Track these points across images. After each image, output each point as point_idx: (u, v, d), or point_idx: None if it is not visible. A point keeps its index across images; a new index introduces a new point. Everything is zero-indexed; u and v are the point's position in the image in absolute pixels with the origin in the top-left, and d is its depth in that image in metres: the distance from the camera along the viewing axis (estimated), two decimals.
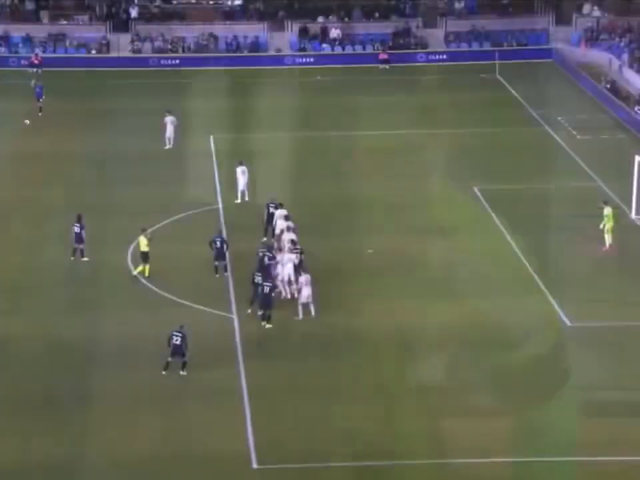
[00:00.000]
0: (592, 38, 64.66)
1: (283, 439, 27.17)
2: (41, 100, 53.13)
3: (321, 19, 67.58)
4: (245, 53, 65.51)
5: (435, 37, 66.66)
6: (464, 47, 65.99)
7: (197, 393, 29.30)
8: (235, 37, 65.94)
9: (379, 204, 41.10)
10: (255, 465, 26.29)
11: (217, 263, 35.92)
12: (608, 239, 37.44)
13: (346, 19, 67.31)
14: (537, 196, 42.85)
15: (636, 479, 25.72)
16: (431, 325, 32.84)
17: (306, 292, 32.84)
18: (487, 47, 65.43)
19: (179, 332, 29.98)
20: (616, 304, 34.01)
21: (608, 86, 57.02)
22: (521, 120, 53.07)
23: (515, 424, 27.65)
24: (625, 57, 60.84)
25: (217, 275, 35.78)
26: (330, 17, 67.82)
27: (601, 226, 37.46)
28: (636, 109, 53.03)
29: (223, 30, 66.65)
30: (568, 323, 32.90)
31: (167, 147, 48.31)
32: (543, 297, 34.47)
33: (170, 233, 39.78)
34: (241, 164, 42.47)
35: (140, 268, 36.03)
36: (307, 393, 29.24)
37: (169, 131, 48.39)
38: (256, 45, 65.82)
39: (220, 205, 42.43)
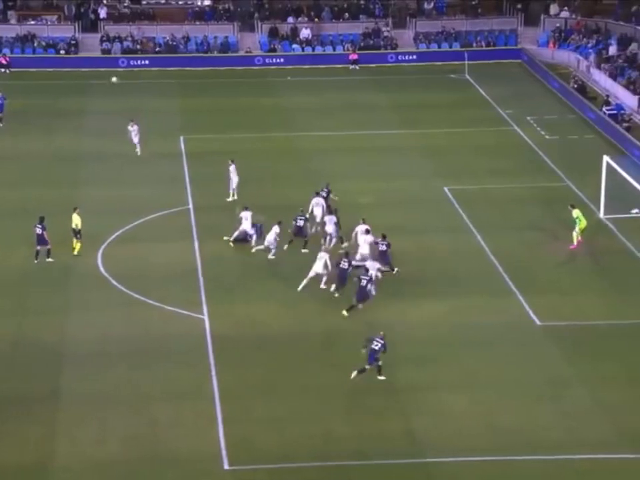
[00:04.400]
0: (560, 39, 65.06)
1: (255, 440, 27.10)
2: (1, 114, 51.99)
3: (291, 20, 67.58)
4: (215, 54, 65.39)
5: (405, 37, 66.87)
6: (433, 48, 66.21)
7: (167, 394, 29.17)
8: (205, 38, 65.81)
9: (350, 204, 41.03)
10: (226, 466, 26.22)
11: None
12: (576, 237, 37.65)
13: (316, 20, 67.35)
14: (506, 196, 43.05)
15: (604, 477, 25.82)
16: (401, 323, 32.88)
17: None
18: (456, 47, 65.72)
19: None
20: (584, 303, 34.20)
21: (576, 86, 57.37)
22: (490, 120, 53.30)
23: (487, 422, 27.73)
24: (593, 57, 61.26)
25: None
26: (300, 18, 67.85)
27: (577, 229, 37.66)
28: (604, 109, 53.39)
29: (192, 30, 66.53)
30: (537, 321, 33.05)
31: (139, 153, 47.89)
32: (512, 296, 34.61)
33: (140, 233, 39.63)
34: (232, 163, 42.27)
35: (74, 246, 36.67)
36: (278, 393, 29.19)
37: (135, 138, 47.79)
38: (226, 46, 65.72)
39: (191, 206, 42.30)
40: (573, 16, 66.22)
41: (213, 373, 30.14)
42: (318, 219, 38.74)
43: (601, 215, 40.63)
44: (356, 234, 36.58)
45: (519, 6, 67.21)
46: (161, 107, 55.30)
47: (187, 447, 26.82)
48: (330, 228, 37.46)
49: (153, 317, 33.42)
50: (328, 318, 33.30)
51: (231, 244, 37.68)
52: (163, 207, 41.90)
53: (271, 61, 64.58)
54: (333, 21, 67.79)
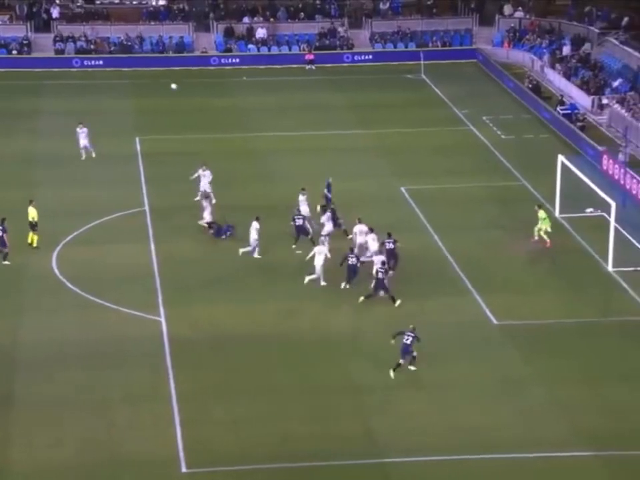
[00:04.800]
0: (514, 39, 65.56)
1: (213, 442, 27.01)
2: None
3: (246, 20, 67.43)
4: (171, 54, 65.07)
5: (361, 37, 67.01)
6: (389, 48, 66.42)
7: (124, 397, 28.97)
8: (160, 38, 65.48)
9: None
10: (183, 469, 26.09)
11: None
12: (545, 236, 37.93)
13: (271, 20, 67.28)
14: (462, 195, 43.28)
15: (561, 475, 26.03)
16: (359, 324, 32.94)
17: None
18: (412, 47, 65.96)
19: None
20: (540, 302, 34.47)
21: (531, 86, 57.83)
22: (446, 120, 53.57)
23: (445, 422, 27.85)
24: (547, 57, 61.81)
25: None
26: (255, 18, 67.73)
27: (540, 229, 37.90)
28: (558, 108, 53.87)
29: (147, 30, 66.16)
30: (494, 321, 33.26)
31: (84, 157, 47.15)
32: (469, 296, 34.79)
33: (95, 235, 39.34)
34: (203, 165, 41.94)
35: (31, 238, 36.61)
36: (236, 394, 29.11)
37: (83, 142, 47.14)
38: (181, 46, 65.43)
39: (147, 207, 42.06)
40: (527, 16, 66.74)
41: (171, 375, 29.98)
42: (308, 214, 38.93)
43: (556, 214, 40.98)
44: (355, 234, 36.53)
45: (473, 6, 67.63)
46: (115, 108, 54.94)
47: (144, 450, 26.66)
48: (329, 226, 37.47)
49: (109, 320, 33.18)
50: (286, 319, 33.28)
51: (240, 252, 37.24)
52: (119, 208, 41.62)
53: (226, 61, 64.41)
54: (289, 21, 67.75)
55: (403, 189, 43.87)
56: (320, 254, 35.21)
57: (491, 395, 29.16)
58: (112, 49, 64.82)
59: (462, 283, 35.63)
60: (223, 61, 64.40)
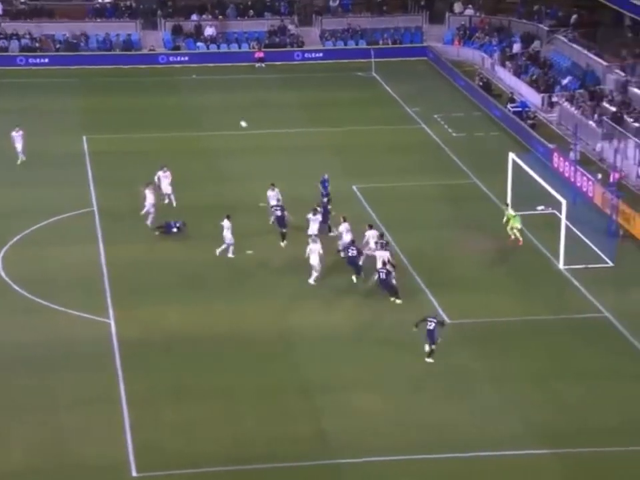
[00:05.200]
0: (465, 36, 65.97)
1: (164, 445, 26.85)
2: None
3: (195, 17, 67.13)
4: (118, 52, 64.59)
5: (311, 35, 67.01)
6: (340, 45, 66.51)
7: (73, 400, 28.70)
8: (107, 35, 64.95)
9: (255, 204, 40.95)
10: (134, 473, 25.91)
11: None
12: (518, 235, 38.10)
13: (220, 17, 67.03)
14: (414, 194, 43.43)
15: (513, 473, 26.21)
16: (311, 324, 32.94)
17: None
18: (362, 45, 66.10)
19: None
20: (493, 300, 34.67)
21: (481, 84, 58.22)
22: (397, 118, 53.76)
23: (398, 421, 27.93)
24: (497, 55, 62.27)
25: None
26: (204, 15, 67.44)
27: (511, 227, 38.11)
28: (509, 106, 54.30)
29: (94, 28, 65.60)
30: (447, 319, 33.39)
31: (20, 160, 46.45)
32: (422, 295, 34.90)
33: (42, 236, 38.93)
34: (162, 168, 41.54)
35: None
36: (188, 396, 28.96)
37: (18, 145, 46.42)
38: (129, 44, 64.97)
39: (95, 208, 41.71)
40: (477, 14, 67.20)
41: (121, 377, 29.76)
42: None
43: (508, 211, 41.21)
44: (367, 241, 36.28)
45: (423, 3, 67.93)
46: (62, 107, 54.40)
47: (94, 454, 26.45)
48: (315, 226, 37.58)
49: (57, 322, 32.86)
50: (238, 319, 33.19)
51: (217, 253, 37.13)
52: (66, 209, 41.22)
53: (175, 59, 64.07)
54: (238, 18, 67.55)
55: (354, 187, 43.95)
56: (314, 252, 35.17)
57: (445, 393, 29.29)
58: (58, 46, 64.16)
59: (415, 282, 35.75)
60: (171, 59, 64.05)
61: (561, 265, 36.84)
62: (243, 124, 45.31)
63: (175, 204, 40.98)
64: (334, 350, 31.40)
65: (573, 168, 44.39)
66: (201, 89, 58.69)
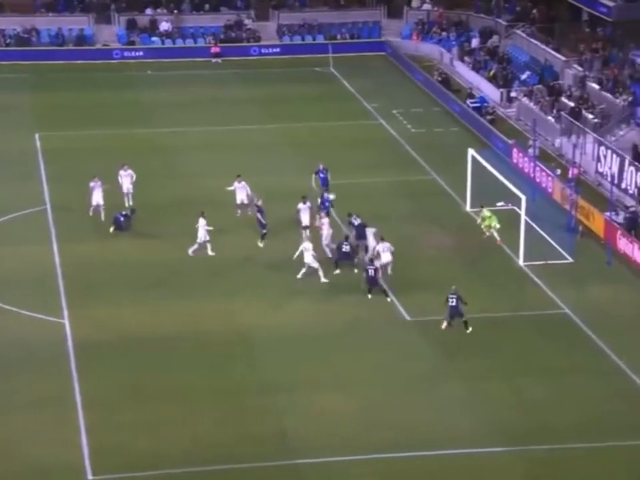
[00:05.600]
0: (423, 31, 66.16)
1: (121, 447, 26.65)
2: None
3: (149, 11, 66.68)
4: (70, 47, 63.99)
5: (268, 29, 66.83)
6: (297, 40, 66.40)
7: (26, 403, 28.39)
8: (60, 30, 64.33)
9: (217, 201, 40.82)
10: (89, 476, 25.69)
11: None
12: (496, 234, 38.17)
13: (175, 12, 66.63)
14: (373, 190, 43.45)
15: (478, 472, 26.32)
16: (272, 323, 32.85)
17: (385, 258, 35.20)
18: (320, 40, 66.05)
19: None
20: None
21: (440, 79, 58.41)
22: (355, 113, 53.78)
23: (361, 421, 27.91)
24: (455, 50, 62.52)
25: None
26: (159, 9, 67.01)
27: (487, 226, 38.17)
28: (468, 101, 54.52)
29: (46, 22, 64.95)
30: (407, 317, 33.49)
31: None
32: (383, 293, 34.91)
33: None
34: (122, 166, 41.11)
35: None
36: (146, 397, 28.77)
37: None
38: (82, 38, 64.40)
39: (48, 206, 41.32)
40: (435, 8, 67.42)
41: (75, 378, 29.52)
42: (246, 201, 39.38)
43: (467, 208, 41.45)
44: (378, 252, 35.80)
45: None
46: (13, 103, 53.79)
47: (48, 458, 26.20)
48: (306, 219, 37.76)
49: (9, 323, 32.52)
50: (196, 319, 33.02)
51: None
52: (19, 207, 40.79)
53: (129, 55, 63.61)
54: (193, 13, 67.19)
55: (313, 184, 43.87)
56: (307, 250, 35.12)
57: (406, 392, 29.34)
58: (8, 41, 63.43)
59: None
60: (125, 54, 63.58)
61: (521, 262, 37.06)
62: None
63: (131, 203, 40.63)
64: (295, 349, 31.35)
65: (532, 164, 44.67)
66: (157, 85, 58.33)
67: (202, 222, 36.78)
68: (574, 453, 26.66)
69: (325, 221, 37.39)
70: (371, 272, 34.10)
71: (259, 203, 38.34)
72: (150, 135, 49.99)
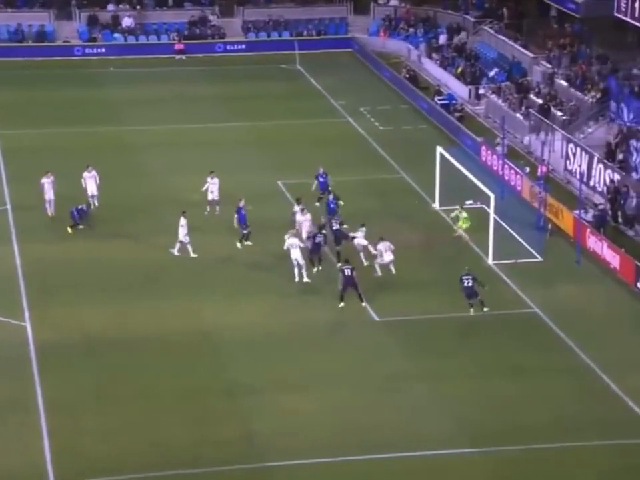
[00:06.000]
0: (390, 27, 66.26)
1: (84, 452, 26.46)
2: None
3: (111, 7, 66.33)
4: (30, 43, 63.54)
5: (233, 26, 66.71)
6: (262, 37, 66.32)
7: None
8: (19, 26, 63.81)
9: (181, 201, 40.66)
10: None
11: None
12: (463, 233, 38.21)
13: (138, 7, 66.31)
14: (341, 189, 43.31)
15: (446, 472, 26.38)
16: (236, 323, 32.75)
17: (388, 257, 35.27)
18: (286, 36, 66.00)
19: None
20: (422, 297, 34.78)
21: (408, 76, 58.53)
22: (322, 111, 53.77)
23: (329, 422, 27.89)
24: (423, 46, 62.66)
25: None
26: (121, 5, 66.66)
27: (460, 227, 38.20)
28: (436, 99, 54.67)
29: (4, 18, 64.45)
30: (375, 317, 33.51)
31: None
32: (350, 293, 34.81)
33: None
34: (87, 167, 40.70)
35: None
36: (109, 401, 28.60)
37: None
38: (42, 35, 63.94)
39: (8, 206, 40.99)
40: (402, 4, 67.55)
41: (37, 382, 29.29)
42: (216, 198, 39.47)
43: (436, 206, 41.54)
44: (380, 251, 35.77)
45: None
46: None
47: (9, 464, 25.98)
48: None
49: None
50: (160, 319, 32.87)
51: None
52: None
53: (91, 51, 63.29)
54: (157, 8, 66.95)
55: (280, 183, 43.84)
56: (294, 247, 35.02)
57: (375, 393, 29.35)
58: None
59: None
60: (87, 50, 63.25)
61: (490, 261, 37.18)
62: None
63: (97, 204, 40.35)
64: (262, 350, 31.27)
65: (500, 161, 44.85)
66: (119, 82, 58.04)
67: (183, 221, 36.55)
68: (543, 453, 26.77)
69: (308, 216, 37.24)
70: (347, 272, 33.68)
71: (241, 204, 38.02)
72: (114, 133, 49.73)
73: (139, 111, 52.85)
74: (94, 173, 40.57)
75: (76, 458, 26.22)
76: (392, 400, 29.03)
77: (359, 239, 36.45)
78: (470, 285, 32.69)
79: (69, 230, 38.35)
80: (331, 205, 39.31)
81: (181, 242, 36.67)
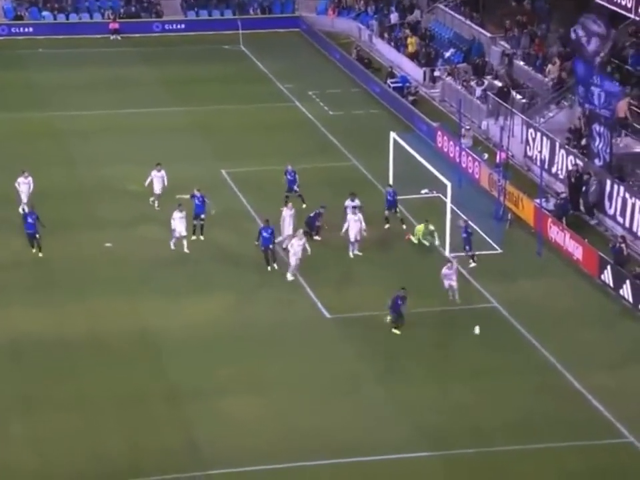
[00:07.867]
0: (339, 6, 66.27)
1: (10, 464, 26.18)
2: None
3: None
4: None
5: (171, 4, 66.41)
6: (203, 16, 66.07)
7: None
8: None
9: (118, 191, 40.38)
10: None
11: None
12: (414, 239, 38.19)
13: None
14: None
15: (403, 477, 26.48)
16: (180, 324, 32.60)
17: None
18: (228, 15, 65.80)
19: None
20: (375, 293, 34.79)
21: (358, 57, 58.59)
22: (269, 95, 53.71)
23: (279, 426, 27.86)
24: (375, 25, 62.75)
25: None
26: None
27: (416, 234, 38.09)
28: (388, 81, 54.77)
29: None
30: (327, 315, 33.54)
31: None
32: (300, 290, 34.92)
33: None
34: (23, 173, 39.99)
35: None
36: (39, 408, 28.35)
37: None
38: None
39: None
40: None
41: None
42: (158, 191, 39.24)
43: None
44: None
45: None
46: None
47: None
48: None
49: None
50: (95, 320, 32.65)
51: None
52: None
53: (17, 31, 62.80)
54: None
55: (223, 172, 43.73)
56: (292, 246, 35.12)
57: (327, 394, 29.35)
58: None
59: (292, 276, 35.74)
60: (13, 30, 62.75)
61: (447, 253, 37.34)
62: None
63: (27, 210, 39.82)
64: (206, 352, 31.15)
65: (457, 148, 45.04)
66: (49, 64, 57.59)
67: (177, 214, 36.23)
68: (503, 455, 26.95)
69: (293, 212, 37.15)
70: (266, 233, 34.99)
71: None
72: (44, 119, 49.31)
73: (71, 95, 52.44)
74: (30, 179, 39.73)
75: (2, 469, 25.95)
76: (345, 403, 29.06)
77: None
78: (466, 235, 35.91)
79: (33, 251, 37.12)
80: (389, 197, 38.98)
81: (177, 237, 36.32)
